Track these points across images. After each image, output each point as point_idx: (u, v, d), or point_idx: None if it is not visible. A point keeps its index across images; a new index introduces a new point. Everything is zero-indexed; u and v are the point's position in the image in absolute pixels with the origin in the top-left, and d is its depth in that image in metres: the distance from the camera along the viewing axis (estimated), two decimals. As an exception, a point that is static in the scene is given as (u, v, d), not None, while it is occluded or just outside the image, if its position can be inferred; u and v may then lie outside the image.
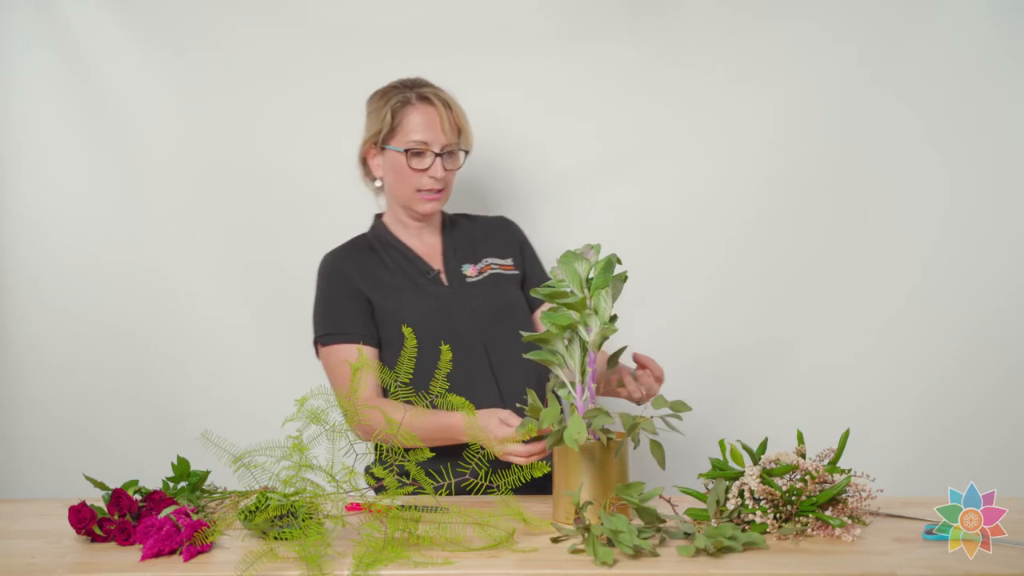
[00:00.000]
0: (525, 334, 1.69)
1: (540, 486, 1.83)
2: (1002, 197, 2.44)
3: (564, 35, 2.47)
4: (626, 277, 1.65)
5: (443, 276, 2.09)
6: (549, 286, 1.63)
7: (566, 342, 1.63)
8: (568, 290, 1.62)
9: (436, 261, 2.12)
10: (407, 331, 1.64)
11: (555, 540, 1.52)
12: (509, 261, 2.16)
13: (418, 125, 2.02)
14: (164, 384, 2.49)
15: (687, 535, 1.51)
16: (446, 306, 2.04)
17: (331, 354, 2.02)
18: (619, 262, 1.62)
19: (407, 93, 2.05)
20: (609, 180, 2.49)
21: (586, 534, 1.46)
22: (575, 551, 1.45)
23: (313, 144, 2.48)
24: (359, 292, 2.03)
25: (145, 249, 2.48)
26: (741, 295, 2.49)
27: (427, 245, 2.13)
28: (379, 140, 2.05)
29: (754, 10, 2.44)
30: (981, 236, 2.44)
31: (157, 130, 2.46)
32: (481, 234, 2.18)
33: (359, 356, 1.66)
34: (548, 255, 2.04)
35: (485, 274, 2.11)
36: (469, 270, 2.10)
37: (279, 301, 2.45)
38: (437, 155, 2.02)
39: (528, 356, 1.69)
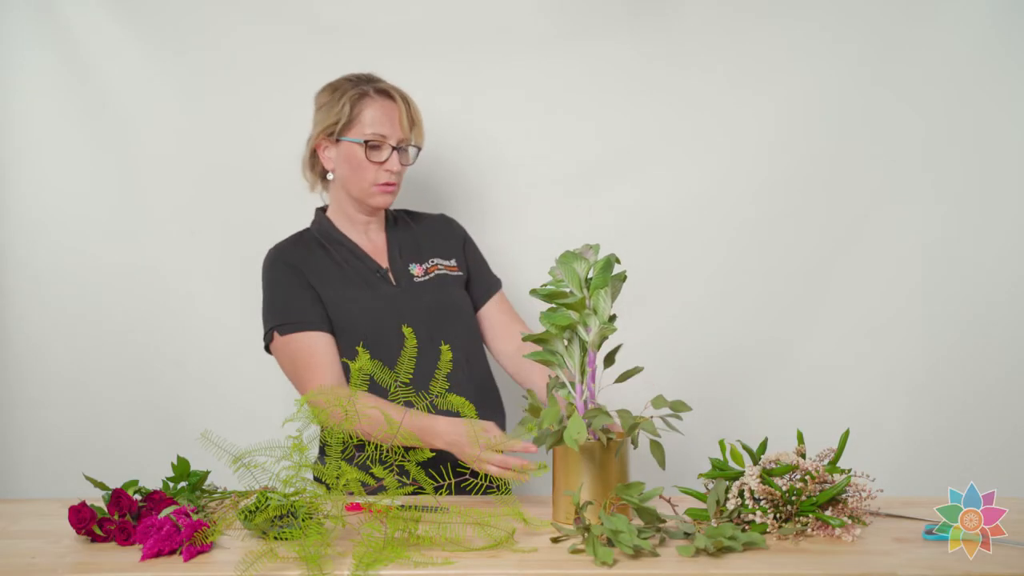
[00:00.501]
0: (524, 334, 1.68)
1: (538, 486, 1.84)
2: (1002, 197, 2.44)
3: (564, 35, 2.47)
4: (625, 277, 1.65)
5: (390, 275, 2.08)
6: (549, 286, 1.63)
7: (565, 342, 1.63)
8: (567, 290, 1.62)
9: (382, 259, 2.11)
10: (407, 331, 1.64)
11: (555, 540, 1.52)
12: (453, 262, 2.15)
13: (376, 118, 2.02)
14: (164, 384, 2.49)
15: (687, 535, 1.51)
16: (395, 305, 2.04)
17: (289, 343, 1.97)
18: (618, 261, 1.62)
19: (363, 87, 2.05)
20: (609, 180, 2.49)
21: (586, 534, 1.46)
22: (575, 551, 1.45)
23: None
24: (309, 284, 2.02)
25: (145, 249, 2.48)
26: (741, 295, 2.49)
27: (373, 243, 2.12)
28: (335, 131, 2.04)
29: (754, 10, 2.44)
30: (980, 236, 2.44)
31: (157, 130, 2.46)
32: (424, 233, 2.17)
33: (359, 354, 1.64)
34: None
35: (432, 274, 2.10)
36: (416, 269, 2.10)
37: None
38: (394, 148, 2.03)
39: (528, 356, 1.69)
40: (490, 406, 2.09)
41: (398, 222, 2.18)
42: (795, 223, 2.47)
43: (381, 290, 2.06)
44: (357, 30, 2.45)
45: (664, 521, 1.54)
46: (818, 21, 2.43)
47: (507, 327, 2.16)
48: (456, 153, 2.48)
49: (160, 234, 2.48)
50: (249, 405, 2.44)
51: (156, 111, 2.46)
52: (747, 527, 1.54)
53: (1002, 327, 2.44)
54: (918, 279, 2.46)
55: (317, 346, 1.97)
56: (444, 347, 1.65)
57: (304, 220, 2.17)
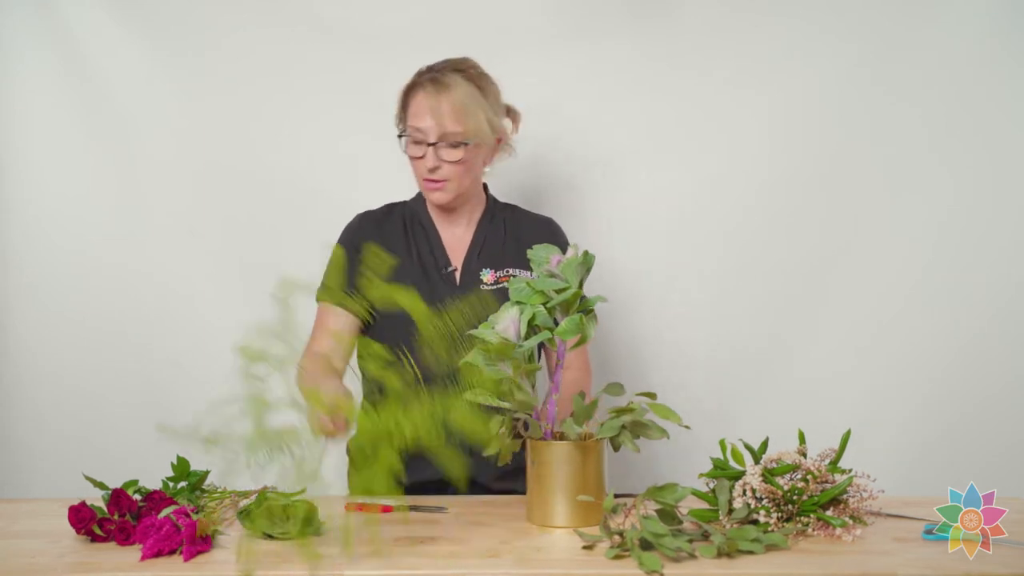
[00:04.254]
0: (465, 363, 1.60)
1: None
2: (1002, 197, 2.44)
3: (564, 35, 2.47)
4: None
5: (456, 275, 2.02)
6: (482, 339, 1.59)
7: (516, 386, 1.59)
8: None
9: (458, 257, 2.03)
10: (415, 303, 1.57)
11: (587, 548, 1.47)
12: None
13: (417, 110, 1.94)
14: (164, 384, 2.49)
15: (706, 536, 1.49)
16: (440, 307, 1.97)
17: (317, 312, 1.99)
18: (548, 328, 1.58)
19: (424, 75, 1.96)
20: (609, 180, 2.49)
21: (619, 538, 1.44)
22: (618, 557, 1.42)
23: (314, 144, 2.48)
24: (357, 270, 1.92)
25: (144, 249, 2.48)
26: (741, 295, 2.49)
27: (458, 237, 2.05)
28: (397, 122, 2.01)
29: (754, 10, 2.44)
30: (981, 236, 2.44)
31: (157, 130, 2.46)
32: (516, 236, 2.06)
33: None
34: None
35: (502, 284, 2.00)
36: (487, 276, 2.01)
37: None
38: (430, 144, 1.93)
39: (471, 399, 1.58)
40: None
41: (496, 218, 2.07)
42: (795, 223, 2.47)
43: (437, 291, 1.98)
44: (358, 30, 2.45)
45: (683, 523, 1.53)
46: (818, 21, 2.43)
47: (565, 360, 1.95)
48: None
49: (160, 235, 2.48)
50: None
51: (156, 111, 2.46)
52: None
53: (1002, 327, 2.44)
54: (918, 279, 2.46)
55: (329, 324, 1.96)
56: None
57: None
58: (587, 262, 1.62)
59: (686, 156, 2.49)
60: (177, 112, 2.47)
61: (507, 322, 1.59)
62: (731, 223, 2.48)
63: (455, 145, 1.93)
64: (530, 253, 1.65)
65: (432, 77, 1.95)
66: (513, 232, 2.07)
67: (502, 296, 1.98)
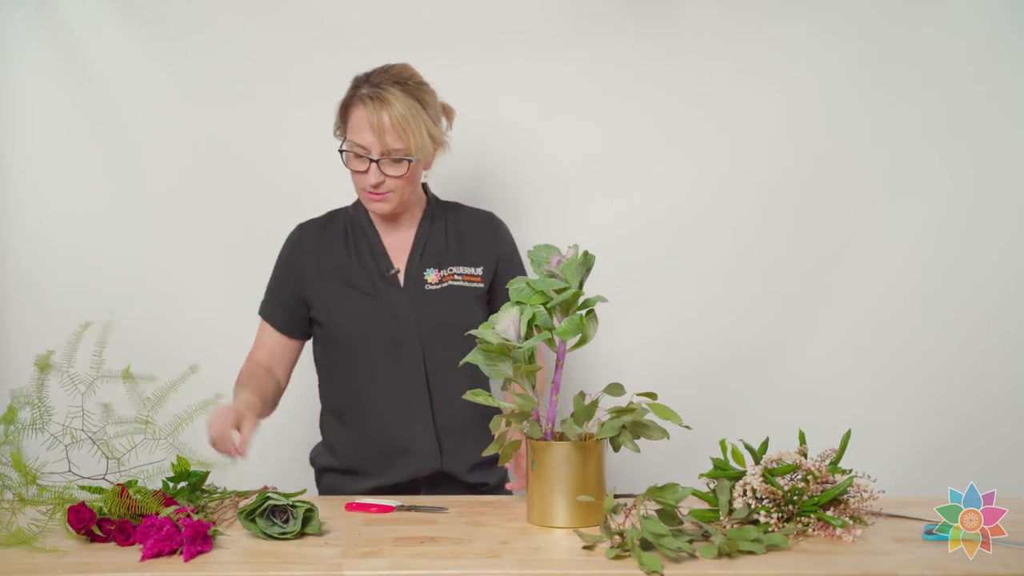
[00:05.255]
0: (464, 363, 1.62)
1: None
2: (1002, 197, 2.44)
3: (564, 35, 2.47)
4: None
5: (400, 277, 2.02)
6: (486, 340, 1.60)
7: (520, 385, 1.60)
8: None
9: (400, 259, 2.04)
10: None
11: (587, 548, 1.47)
12: (479, 271, 2.04)
13: (358, 126, 1.92)
14: (165, 381, 2.48)
15: (706, 536, 1.49)
16: (392, 312, 1.98)
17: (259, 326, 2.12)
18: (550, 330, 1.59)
19: (361, 89, 1.94)
20: (608, 180, 2.49)
21: (619, 539, 1.44)
22: (619, 557, 1.42)
23: (314, 144, 2.47)
24: (298, 285, 2.05)
25: (145, 249, 2.47)
26: (741, 295, 2.48)
27: (400, 238, 2.06)
28: (337, 133, 2.01)
29: (754, 10, 2.44)
30: (981, 236, 2.44)
31: (157, 129, 2.46)
32: (458, 233, 2.07)
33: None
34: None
35: (446, 284, 2.02)
36: (431, 276, 2.02)
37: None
38: (372, 161, 1.92)
39: (466, 397, 1.63)
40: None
41: (437, 218, 2.08)
42: (795, 223, 2.47)
43: (382, 294, 2.00)
44: (358, 31, 2.45)
45: (683, 523, 1.53)
46: (818, 21, 2.43)
47: None
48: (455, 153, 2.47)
49: (160, 234, 2.48)
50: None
51: (156, 111, 2.45)
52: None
53: (1002, 327, 2.44)
54: (918, 279, 2.46)
55: (264, 339, 2.10)
56: None
57: (304, 219, 2.16)
58: (587, 262, 1.62)
59: (686, 156, 2.48)
60: (176, 111, 2.46)
61: (507, 322, 1.59)
62: (731, 223, 2.48)
63: (397, 160, 1.93)
64: (530, 253, 1.65)
65: (372, 93, 1.92)
66: (455, 229, 2.08)
67: (444, 298, 2.00)
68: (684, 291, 2.50)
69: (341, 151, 1.97)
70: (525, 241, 2.46)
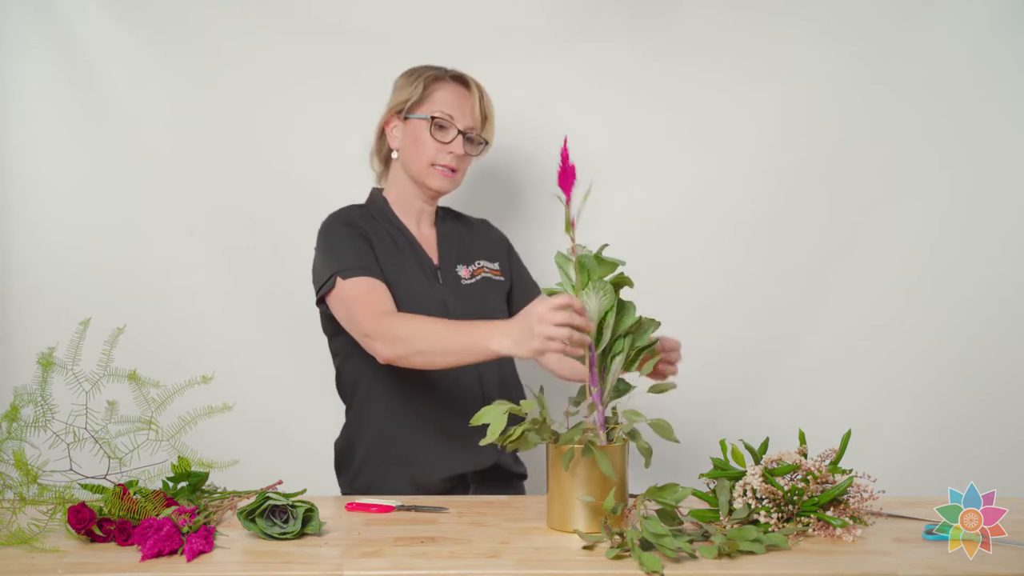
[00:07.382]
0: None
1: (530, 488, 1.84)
2: (1001, 197, 2.44)
3: (564, 35, 2.47)
4: (629, 281, 1.65)
5: (439, 273, 2.05)
6: (553, 289, 1.63)
7: None
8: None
9: (433, 254, 2.07)
10: None
11: (587, 548, 1.47)
12: (497, 266, 2.12)
13: (448, 100, 2.00)
14: (166, 380, 2.48)
15: (706, 536, 1.49)
16: (444, 304, 1.99)
17: (351, 287, 1.88)
18: (604, 262, 1.61)
19: (442, 71, 2.04)
20: (609, 180, 2.48)
21: (619, 539, 1.44)
22: (618, 557, 1.41)
23: (315, 144, 2.48)
24: (369, 243, 1.96)
25: (145, 250, 2.48)
26: (741, 295, 2.49)
27: (424, 235, 2.09)
28: (404, 109, 2.02)
29: (754, 10, 2.45)
30: (981, 236, 2.45)
31: (157, 130, 2.46)
32: (470, 234, 2.15)
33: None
34: (548, 255, 2.04)
35: (478, 277, 2.07)
36: (463, 271, 2.07)
37: (280, 300, 2.45)
38: (460, 132, 2.00)
39: None
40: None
41: (446, 219, 2.14)
42: (795, 223, 2.47)
43: (432, 285, 2.02)
44: (358, 31, 2.46)
45: (683, 523, 1.53)
46: (818, 21, 2.44)
47: None
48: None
49: (161, 235, 2.48)
50: (249, 404, 2.43)
51: (156, 112, 2.46)
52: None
53: (1002, 327, 2.44)
54: (918, 278, 2.46)
55: (377, 288, 1.89)
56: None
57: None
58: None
59: (686, 156, 2.49)
60: (177, 111, 2.47)
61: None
62: (731, 223, 2.48)
63: (477, 142, 2.03)
64: (557, 258, 1.69)
65: (462, 76, 2.04)
66: (463, 230, 2.15)
67: (480, 290, 2.05)
68: (684, 291, 2.50)
69: (425, 118, 1.99)
70: (525, 241, 2.47)
